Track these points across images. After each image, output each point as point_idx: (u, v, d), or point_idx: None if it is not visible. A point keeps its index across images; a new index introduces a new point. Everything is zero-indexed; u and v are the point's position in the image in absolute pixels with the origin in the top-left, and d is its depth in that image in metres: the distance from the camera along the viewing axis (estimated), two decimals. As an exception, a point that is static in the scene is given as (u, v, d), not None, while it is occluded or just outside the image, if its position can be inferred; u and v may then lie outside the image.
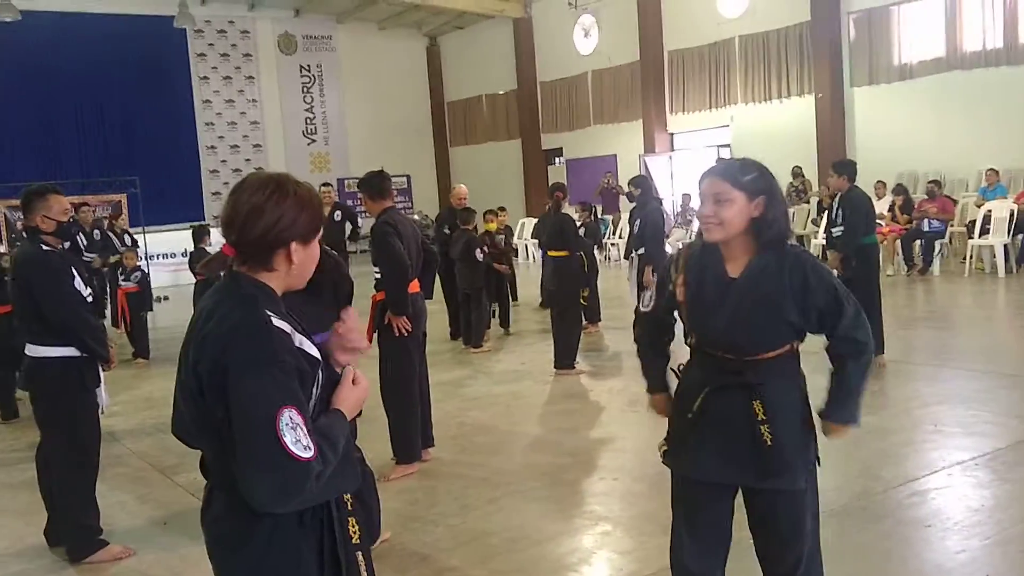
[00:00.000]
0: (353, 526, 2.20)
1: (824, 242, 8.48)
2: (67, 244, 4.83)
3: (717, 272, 2.75)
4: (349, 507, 2.22)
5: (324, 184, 13.62)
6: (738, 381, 2.70)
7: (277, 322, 2.04)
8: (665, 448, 2.92)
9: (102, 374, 4.70)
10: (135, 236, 13.92)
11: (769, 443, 2.67)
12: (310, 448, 1.91)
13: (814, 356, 2.89)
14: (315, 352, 2.14)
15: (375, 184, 5.80)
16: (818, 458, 2.82)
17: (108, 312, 12.00)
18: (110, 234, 13.00)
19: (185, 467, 5.87)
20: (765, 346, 2.69)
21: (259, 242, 2.10)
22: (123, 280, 10.97)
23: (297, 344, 2.08)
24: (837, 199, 7.83)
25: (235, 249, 2.12)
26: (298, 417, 1.91)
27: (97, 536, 4.65)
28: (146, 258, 16.25)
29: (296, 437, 1.89)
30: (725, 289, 2.72)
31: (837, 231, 7.70)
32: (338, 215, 11.65)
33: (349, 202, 18.43)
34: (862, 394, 2.79)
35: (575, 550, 4.41)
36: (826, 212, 8.12)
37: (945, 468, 5.11)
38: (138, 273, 11.06)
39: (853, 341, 2.72)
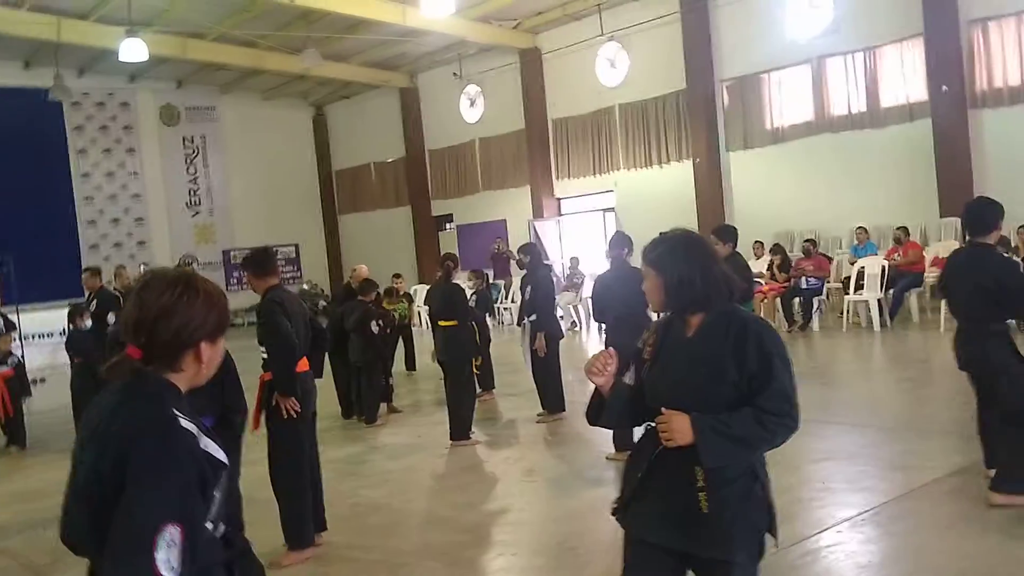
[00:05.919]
0: None
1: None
2: None
3: (678, 334, 2.85)
4: None
5: (119, 266, 12.78)
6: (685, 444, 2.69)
7: (184, 423, 2.00)
8: (616, 507, 2.93)
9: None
10: (9, 318, 13.30)
11: (704, 511, 2.68)
12: (174, 571, 1.83)
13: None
14: (220, 455, 2.09)
15: (260, 261, 5.71)
16: (774, 534, 2.80)
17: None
18: (-20, 317, 12.40)
19: (59, 567, 5.54)
20: (707, 406, 2.69)
21: (170, 344, 2.06)
22: (-5, 366, 10.45)
23: (203, 447, 2.02)
24: None
25: (143, 351, 2.06)
26: (179, 536, 1.85)
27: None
28: (20, 339, 15.49)
29: (167, 556, 1.83)
30: (679, 349, 2.83)
31: None
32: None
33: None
34: (735, 440, 2.65)
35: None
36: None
37: (835, 525, 5.23)
38: (13, 357, 10.57)
39: (773, 411, 2.68)
